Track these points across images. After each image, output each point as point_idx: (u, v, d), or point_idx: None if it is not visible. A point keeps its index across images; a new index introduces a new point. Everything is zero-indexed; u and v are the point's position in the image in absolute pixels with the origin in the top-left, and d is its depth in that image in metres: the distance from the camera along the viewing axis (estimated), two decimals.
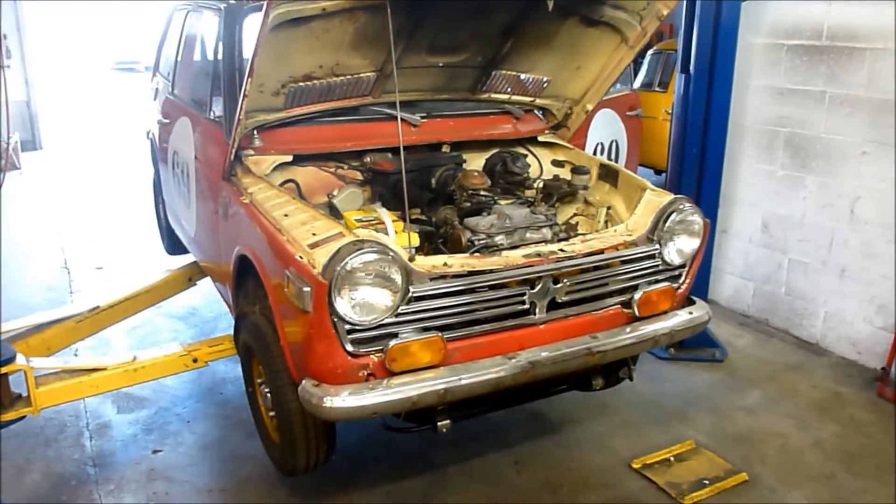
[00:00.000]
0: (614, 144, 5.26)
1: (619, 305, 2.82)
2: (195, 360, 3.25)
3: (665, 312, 2.91)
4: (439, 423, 2.60)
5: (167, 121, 4.26)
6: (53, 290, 5.52)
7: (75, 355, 4.27)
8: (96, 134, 12.81)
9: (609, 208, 3.23)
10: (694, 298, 3.07)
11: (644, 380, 3.96)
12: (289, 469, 2.86)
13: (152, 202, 5.62)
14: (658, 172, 8.06)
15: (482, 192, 3.00)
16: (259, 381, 2.99)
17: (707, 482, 3.20)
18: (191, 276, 4.36)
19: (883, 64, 4.02)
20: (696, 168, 4.32)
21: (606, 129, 5.17)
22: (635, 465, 3.31)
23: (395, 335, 2.40)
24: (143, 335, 4.68)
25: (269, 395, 2.82)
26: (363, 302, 2.31)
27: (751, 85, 4.74)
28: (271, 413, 2.89)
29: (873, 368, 4.21)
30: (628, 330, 2.79)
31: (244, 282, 3.04)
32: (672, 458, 3.37)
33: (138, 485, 3.22)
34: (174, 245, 5.06)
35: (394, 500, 3.09)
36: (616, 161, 5.30)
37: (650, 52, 8.21)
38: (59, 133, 12.09)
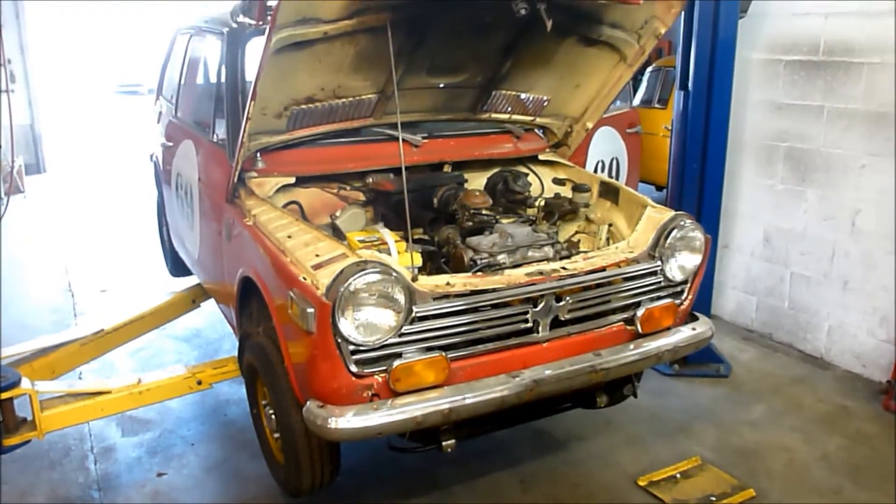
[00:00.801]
0: (615, 162, 5.28)
1: (622, 322, 2.83)
2: (199, 383, 3.26)
3: (668, 329, 2.91)
4: (444, 443, 2.61)
5: (171, 143, 4.30)
6: (58, 313, 5.54)
7: (79, 378, 4.29)
8: (100, 157, 12.87)
9: (610, 225, 3.25)
10: (697, 314, 3.08)
11: (648, 395, 3.95)
12: (293, 490, 2.86)
13: (156, 224, 5.65)
14: (659, 188, 8.08)
15: (484, 212, 3.02)
16: (263, 402, 3.00)
17: (714, 498, 3.18)
18: (195, 298, 4.38)
19: (879, 77, 4.05)
20: (696, 183, 4.33)
21: (607, 146, 5.20)
22: (641, 483, 3.30)
23: (398, 355, 2.40)
24: (146, 357, 4.68)
25: (273, 416, 2.83)
26: (367, 322, 2.33)
27: (749, 100, 4.77)
28: (276, 434, 2.89)
29: (878, 381, 4.21)
30: (631, 347, 2.79)
31: (248, 303, 3.06)
32: (678, 475, 3.36)
33: None
34: (178, 267, 5.08)
35: None
36: (617, 178, 5.33)
37: (649, 69, 8.26)
38: (62, 156, 12.14)
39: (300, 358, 2.47)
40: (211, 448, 3.67)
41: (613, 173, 5.32)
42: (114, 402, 3.09)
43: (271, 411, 2.87)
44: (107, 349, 3.86)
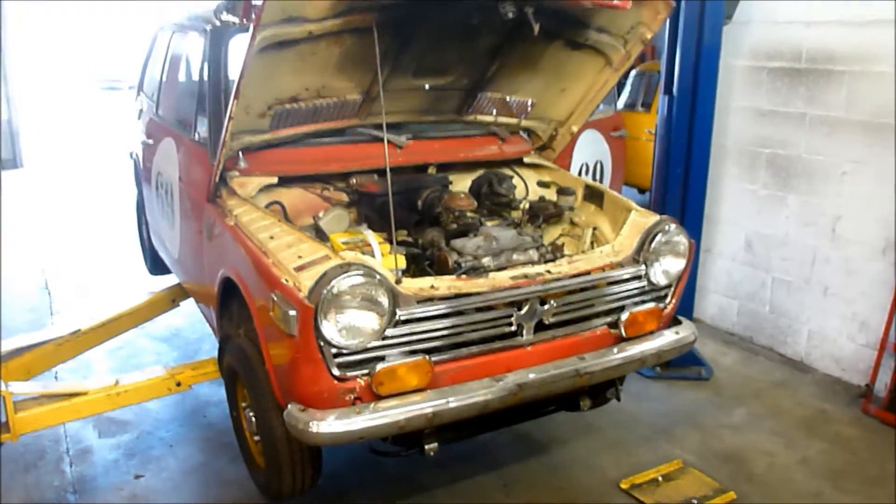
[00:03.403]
0: (599, 165, 5.29)
1: (605, 326, 2.83)
2: (178, 384, 3.21)
3: (652, 333, 2.92)
4: (426, 447, 2.59)
5: (151, 141, 4.24)
6: (34, 312, 5.45)
7: (56, 379, 4.22)
8: (80, 153, 12.70)
9: (595, 229, 3.25)
10: (680, 318, 3.09)
11: (631, 399, 3.96)
12: (274, 495, 2.83)
13: (135, 222, 5.58)
14: (642, 191, 8.12)
15: (468, 214, 3.00)
16: (244, 405, 2.96)
17: (695, 501, 3.19)
18: (174, 297, 4.32)
19: (861, 86, 4.09)
20: (679, 188, 4.35)
21: (591, 149, 5.21)
22: (623, 486, 3.30)
23: (381, 359, 2.38)
24: (125, 357, 4.61)
25: (253, 419, 2.79)
26: (350, 325, 2.30)
27: (733, 106, 4.79)
28: (256, 438, 2.86)
29: (857, 385, 4.24)
30: (615, 351, 2.79)
31: (229, 304, 3.02)
32: (660, 478, 3.36)
33: None
34: (157, 266, 5.01)
35: None
36: (601, 181, 5.34)
37: (633, 72, 8.29)
38: (41, 151, 11.99)
39: (281, 361, 2.44)
40: (190, 450, 3.62)
41: (598, 176, 5.33)
42: (90, 404, 3.04)
43: (251, 414, 2.83)
44: (84, 349, 3.80)
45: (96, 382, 3.12)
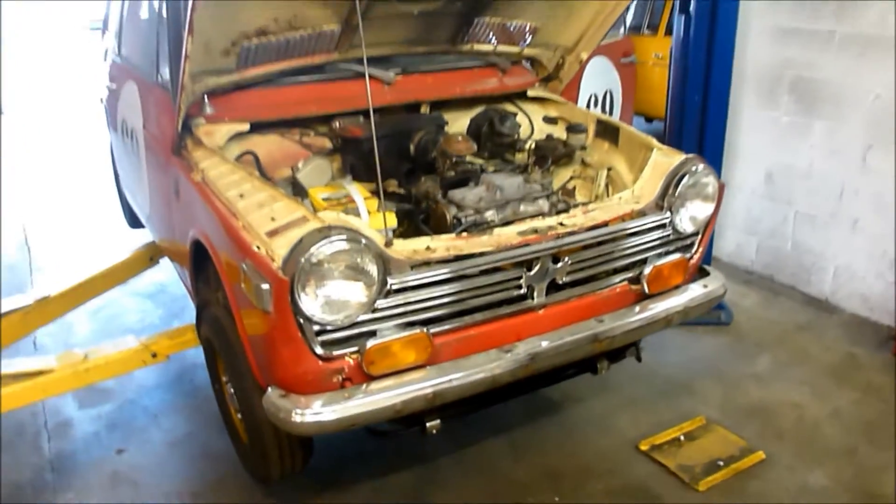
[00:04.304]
0: (608, 95, 4.88)
1: (625, 282, 2.51)
2: (154, 356, 2.93)
3: (677, 287, 2.60)
4: (428, 424, 2.29)
5: (114, 85, 3.85)
6: (13, 271, 5.17)
7: (34, 344, 3.96)
8: (62, 97, 12.16)
9: (610, 170, 2.90)
10: (707, 268, 2.77)
11: (646, 350, 3.58)
12: (261, 478, 2.58)
13: (112, 173, 5.23)
14: (649, 120, 7.73)
15: (468, 160, 2.64)
16: (224, 379, 2.68)
17: (721, 463, 2.95)
18: (152, 255, 4.00)
19: None
20: (697, 117, 3.96)
21: (600, 78, 4.78)
22: (643, 447, 3.05)
23: (372, 334, 2.07)
24: (107, 318, 4.36)
25: (235, 396, 2.50)
26: (333, 299, 1.98)
27: (752, 25, 4.37)
28: (239, 415, 2.58)
29: (887, 326, 3.98)
30: (637, 310, 2.48)
31: (204, 267, 2.69)
32: (682, 437, 3.11)
33: (101, 490, 2.92)
34: (135, 219, 4.68)
35: (380, 500, 2.82)
36: (610, 113, 4.94)
37: None
38: (22, 97, 11.48)
39: (257, 340, 2.13)
40: (175, 420, 3.37)
41: (607, 108, 4.92)
42: (57, 382, 2.75)
43: (233, 390, 2.55)
44: (55, 316, 3.50)
45: (63, 359, 2.81)
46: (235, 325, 2.29)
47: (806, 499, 2.79)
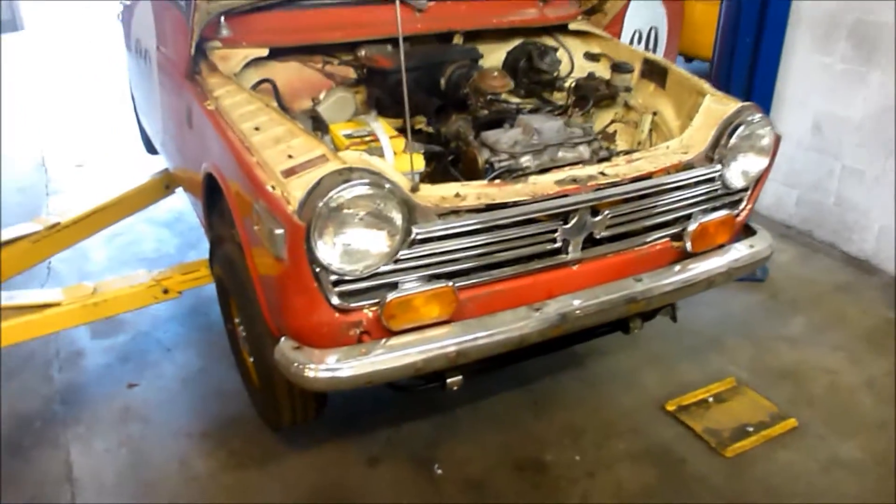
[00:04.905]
0: (653, 32, 4.55)
1: (667, 239, 2.32)
2: (166, 291, 2.82)
3: (722, 246, 2.41)
4: (449, 381, 2.16)
5: (129, 1, 3.62)
6: (26, 193, 5.07)
7: (48, 270, 3.88)
8: (83, 13, 11.83)
9: (655, 114, 2.67)
10: (754, 226, 2.57)
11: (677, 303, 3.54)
12: (272, 424, 2.49)
13: (129, 94, 5.05)
14: (689, 60, 7.36)
15: (503, 97, 2.42)
16: (237, 320, 2.56)
17: (751, 429, 2.82)
18: (168, 183, 3.85)
19: None
20: (748, 60, 3.69)
21: (645, 13, 4.44)
22: (669, 408, 2.92)
23: (394, 286, 1.92)
24: (123, 245, 4.28)
25: (246, 340, 2.39)
26: (352, 247, 1.82)
27: None
28: (251, 359, 2.47)
29: None
30: (677, 269, 2.31)
31: (218, 201, 2.54)
32: (710, 399, 2.98)
33: (110, 426, 2.87)
34: (152, 144, 4.52)
35: (395, 449, 2.73)
36: (654, 51, 4.62)
37: None
38: (43, 12, 11.17)
39: (270, 286, 1.99)
40: (189, 355, 3.30)
41: (650, 46, 4.60)
42: (64, 317, 2.65)
43: (245, 333, 2.43)
44: (65, 246, 3.38)
45: (72, 292, 2.70)
46: (249, 267, 2.15)
47: (836, 472, 2.66)
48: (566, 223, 2.10)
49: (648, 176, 2.17)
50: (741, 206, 2.47)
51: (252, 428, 2.80)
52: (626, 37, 4.46)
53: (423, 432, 2.82)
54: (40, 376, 3.14)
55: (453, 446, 2.75)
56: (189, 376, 3.15)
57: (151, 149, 4.71)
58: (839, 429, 2.86)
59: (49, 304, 2.60)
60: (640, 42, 4.50)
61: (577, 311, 2.09)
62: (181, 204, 4.55)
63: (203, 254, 3.16)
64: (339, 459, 2.69)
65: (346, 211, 1.79)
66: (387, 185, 1.82)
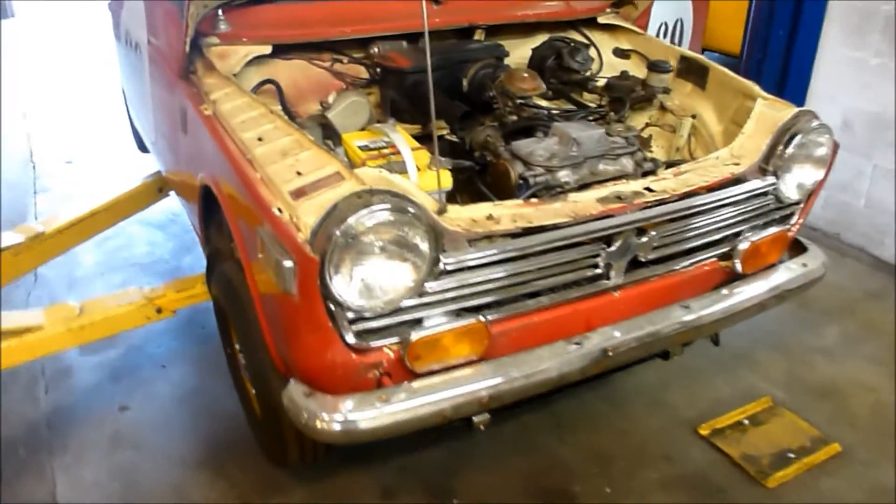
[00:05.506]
0: (679, 25, 4.31)
1: (715, 259, 2.10)
2: (159, 311, 2.60)
3: (773, 266, 2.19)
4: (476, 420, 1.90)
5: None
6: (14, 190, 4.82)
7: (34, 278, 3.64)
8: (74, 1, 11.51)
9: (694, 117, 2.43)
10: (805, 242, 2.34)
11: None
12: (276, 461, 2.26)
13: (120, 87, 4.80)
14: (705, 52, 7.12)
15: (534, 101, 2.17)
16: (237, 346, 2.33)
17: (793, 455, 2.61)
18: (160, 186, 3.61)
19: None
20: (781, 54, 3.47)
21: (670, 5, 4.20)
22: (703, 432, 2.72)
23: (418, 322, 1.69)
24: (114, 249, 4.04)
25: (248, 372, 2.16)
26: (372, 281, 1.59)
27: None
28: (254, 390, 2.24)
29: None
30: (725, 292, 2.09)
31: (215, 212, 2.30)
32: (746, 421, 2.78)
33: (100, 454, 2.64)
34: (143, 142, 4.28)
35: (409, 479, 2.51)
36: (679, 45, 4.38)
37: None
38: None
39: (277, 322, 1.76)
40: (184, 372, 3.08)
41: (676, 39, 4.36)
42: (47, 342, 2.42)
43: (245, 362, 2.20)
44: (50, 257, 3.14)
45: (54, 313, 2.46)
46: (251, 293, 1.91)
47: (884, 501, 2.47)
48: (609, 245, 1.87)
49: (700, 191, 1.94)
50: (793, 221, 2.25)
51: (253, 455, 2.57)
52: (652, 29, 4.23)
53: (439, 459, 2.60)
54: (25, 397, 2.92)
55: (471, 475, 2.55)
56: (184, 395, 2.94)
57: (143, 147, 4.47)
58: (884, 452, 2.67)
59: (29, 328, 2.36)
60: (665, 35, 4.27)
61: (621, 344, 1.86)
62: (175, 205, 4.31)
63: (199, 259, 2.94)
64: (349, 490, 2.49)
65: (365, 240, 1.56)
66: (412, 210, 1.58)
